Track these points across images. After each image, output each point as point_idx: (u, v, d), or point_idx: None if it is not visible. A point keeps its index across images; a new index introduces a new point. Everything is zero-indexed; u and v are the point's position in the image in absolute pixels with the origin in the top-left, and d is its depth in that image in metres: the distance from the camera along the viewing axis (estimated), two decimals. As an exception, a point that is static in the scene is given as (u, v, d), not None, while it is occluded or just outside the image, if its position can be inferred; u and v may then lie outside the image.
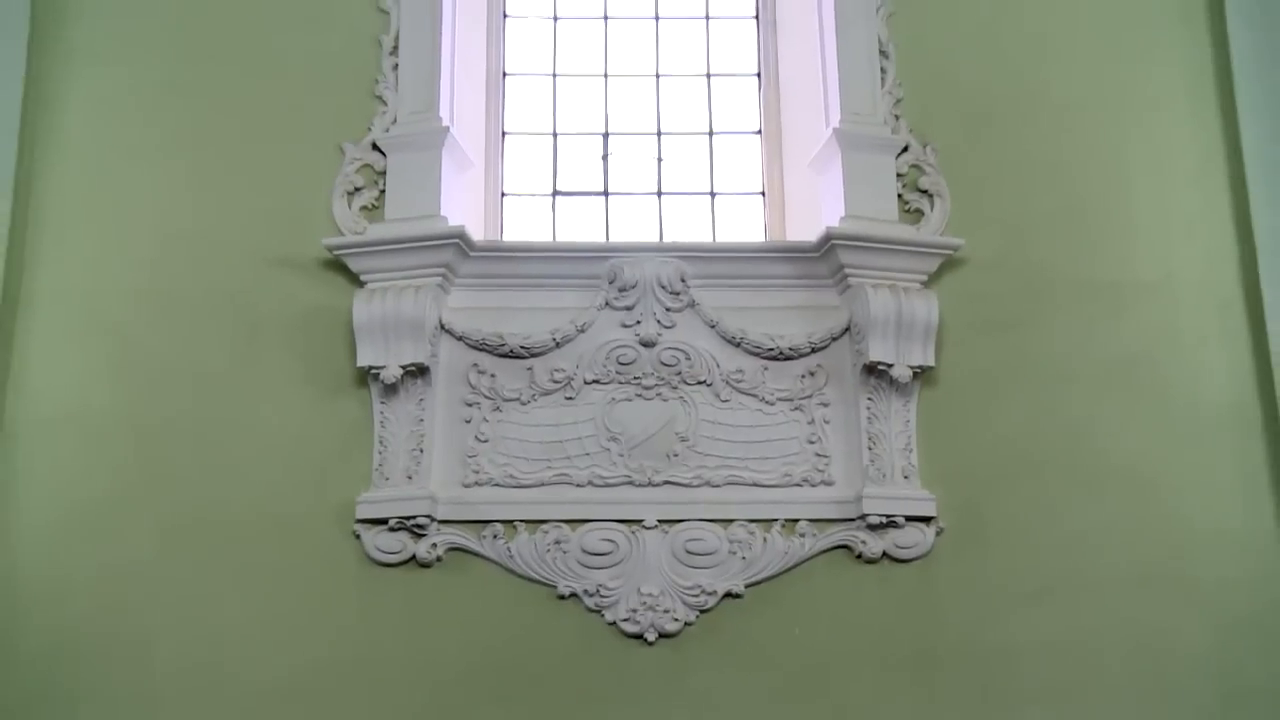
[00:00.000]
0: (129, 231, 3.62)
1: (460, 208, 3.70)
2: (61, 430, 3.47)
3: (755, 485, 3.46)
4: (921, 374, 3.52)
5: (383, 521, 3.40)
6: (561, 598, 3.39)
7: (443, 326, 3.50)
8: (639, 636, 3.36)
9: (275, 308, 3.56)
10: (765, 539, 3.43)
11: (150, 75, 3.74)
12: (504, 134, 4.02)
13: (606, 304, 3.55)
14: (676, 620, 3.37)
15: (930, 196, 3.70)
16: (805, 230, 3.73)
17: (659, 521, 3.43)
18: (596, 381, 3.51)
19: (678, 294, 3.55)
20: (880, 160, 3.68)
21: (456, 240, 3.50)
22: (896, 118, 3.75)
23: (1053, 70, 3.81)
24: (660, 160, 4.01)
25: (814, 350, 3.53)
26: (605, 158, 4.01)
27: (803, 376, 3.54)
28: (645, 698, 3.33)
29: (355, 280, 3.54)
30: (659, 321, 3.54)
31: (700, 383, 3.52)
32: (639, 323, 3.53)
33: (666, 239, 3.89)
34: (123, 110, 3.71)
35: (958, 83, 3.79)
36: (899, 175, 3.70)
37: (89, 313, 3.56)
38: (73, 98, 3.71)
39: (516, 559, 3.41)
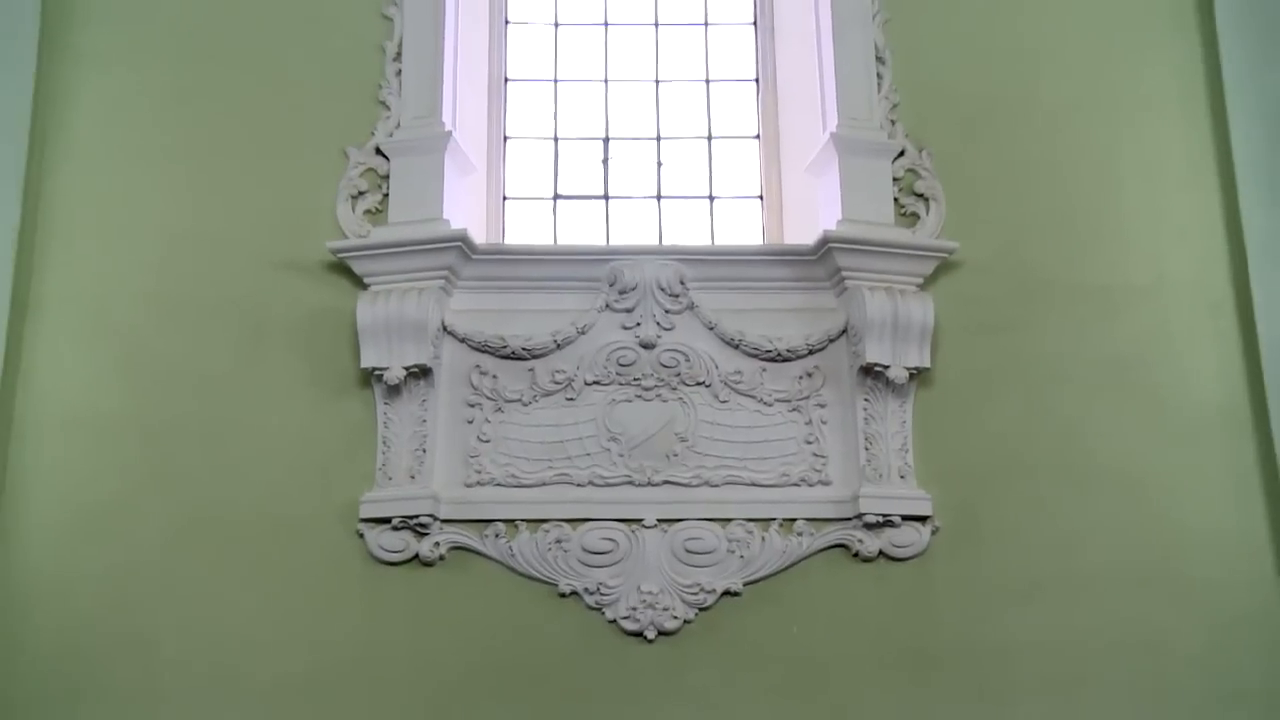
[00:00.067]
0: (136, 235, 3.63)
1: (462, 211, 3.71)
2: (70, 431, 3.47)
3: (753, 485, 3.46)
4: (917, 375, 3.52)
5: (386, 521, 3.41)
6: (562, 596, 3.40)
7: (445, 328, 3.51)
8: (639, 634, 3.37)
9: (280, 310, 3.57)
10: (763, 538, 3.43)
11: (158, 80, 3.74)
12: (506, 138, 4.03)
13: (607, 306, 3.55)
14: (676, 618, 3.37)
15: (926, 200, 3.71)
16: (803, 233, 3.73)
17: (658, 521, 3.43)
18: (597, 382, 3.52)
19: (677, 296, 3.55)
20: (876, 165, 3.69)
21: (459, 243, 3.50)
22: (893, 123, 3.76)
23: (1046, 76, 3.82)
24: (660, 164, 4.01)
25: (811, 352, 3.53)
26: (605, 162, 4.01)
27: (800, 378, 3.55)
28: (645, 695, 3.34)
29: (359, 283, 3.55)
30: (658, 323, 3.55)
31: (699, 384, 3.52)
32: (639, 325, 3.54)
33: (666, 242, 3.89)
34: (131, 115, 3.72)
35: (953, 88, 3.79)
36: (895, 179, 3.70)
37: (97, 315, 3.57)
38: (81, 103, 3.71)
39: (518, 558, 3.41)
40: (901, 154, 3.73)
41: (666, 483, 3.46)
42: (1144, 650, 3.39)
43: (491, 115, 4.01)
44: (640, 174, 4.02)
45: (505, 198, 3.99)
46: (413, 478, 3.43)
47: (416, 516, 3.39)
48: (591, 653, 3.37)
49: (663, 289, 3.55)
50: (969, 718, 3.34)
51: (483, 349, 3.51)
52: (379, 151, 3.69)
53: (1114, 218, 3.72)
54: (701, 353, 3.53)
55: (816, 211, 3.74)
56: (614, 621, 3.38)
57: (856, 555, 3.44)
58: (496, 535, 3.43)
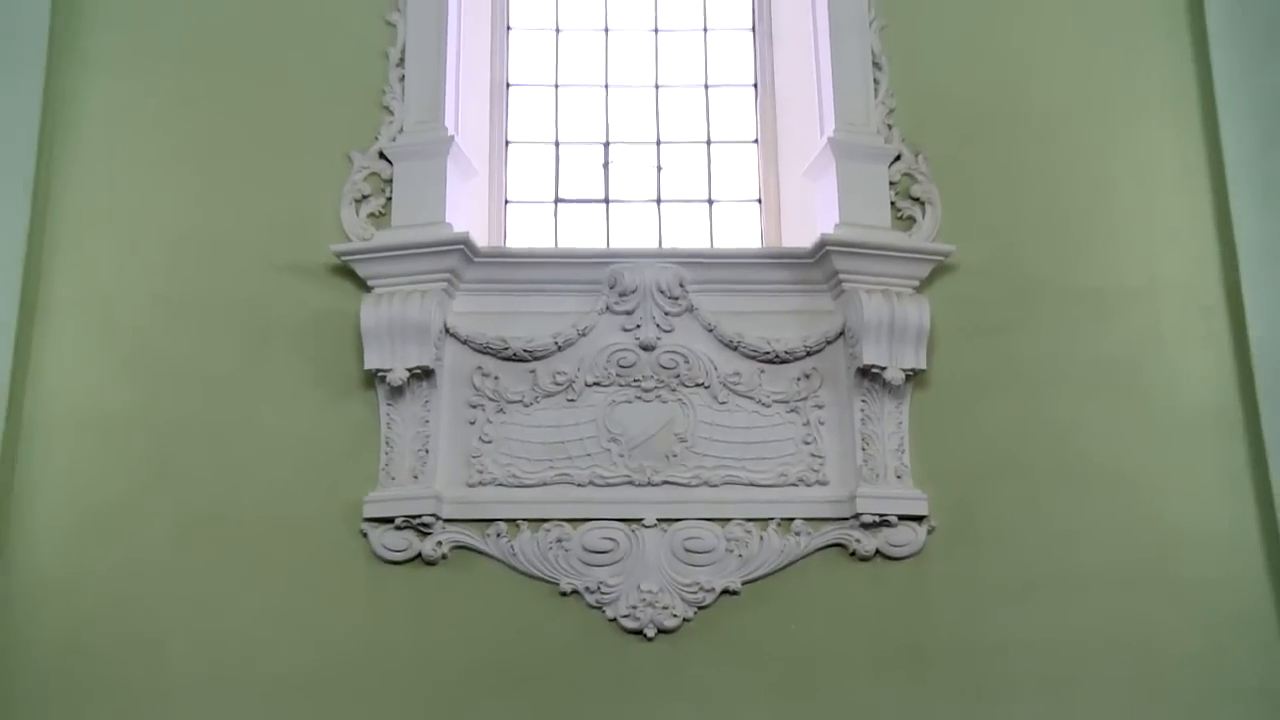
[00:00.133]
0: (144, 238, 3.63)
1: (465, 215, 3.71)
2: (78, 431, 3.48)
3: (752, 485, 3.47)
4: (913, 377, 3.53)
5: (389, 520, 3.41)
6: (563, 595, 3.40)
7: (448, 330, 3.52)
8: (639, 632, 3.37)
9: (285, 312, 3.57)
10: (762, 537, 3.44)
11: (165, 85, 3.75)
12: (507, 143, 4.03)
13: (607, 308, 3.56)
14: (675, 617, 3.38)
15: (922, 204, 3.71)
16: (800, 237, 3.74)
17: (658, 520, 3.44)
18: (597, 384, 3.53)
19: (676, 299, 3.56)
20: (873, 169, 3.70)
21: (461, 246, 3.50)
22: (889, 127, 3.77)
23: (1040, 81, 3.82)
24: (659, 168, 4.01)
25: (809, 353, 3.54)
26: (606, 166, 4.01)
27: (798, 379, 3.55)
28: (645, 692, 3.34)
29: (363, 285, 3.55)
30: (658, 325, 3.55)
31: (698, 385, 3.53)
32: (639, 327, 3.55)
33: (665, 245, 3.90)
34: (138, 119, 3.72)
35: (949, 94, 3.80)
36: (892, 183, 3.71)
37: (105, 317, 3.57)
38: (89, 107, 3.72)
39: (519, 557, 3.42)
40: (898, 158, 3.74)
41: (666, 483, 3.47)
42: (1138, 648, 3.39)
43: (493, 120, 4.01)
44: (640, 178, 4.02)
45: (507, 201, 3.99)
46: (415, 478, 3.44)
47: (419, 516, 3.40)
48: (592, 651, 3.37)
49: (662, 291, 3.56)
50: (965, 716, 3.34)
51: (485, 350, 3.52)
52: (382, 156, 3.70)
53: (1107, 221, 3.73)
54: (701, 354, 3.54)
55: (814, 215, 3.75)
56: (614, 620, 3.38)
57: (853, 554, 3.45)
58: (498, 535, 3.43)
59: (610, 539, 3.43)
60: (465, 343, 3.52)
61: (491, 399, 3.52)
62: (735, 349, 3.53)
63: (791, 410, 3.54)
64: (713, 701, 3.35)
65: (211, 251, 3.62)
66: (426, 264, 3.51)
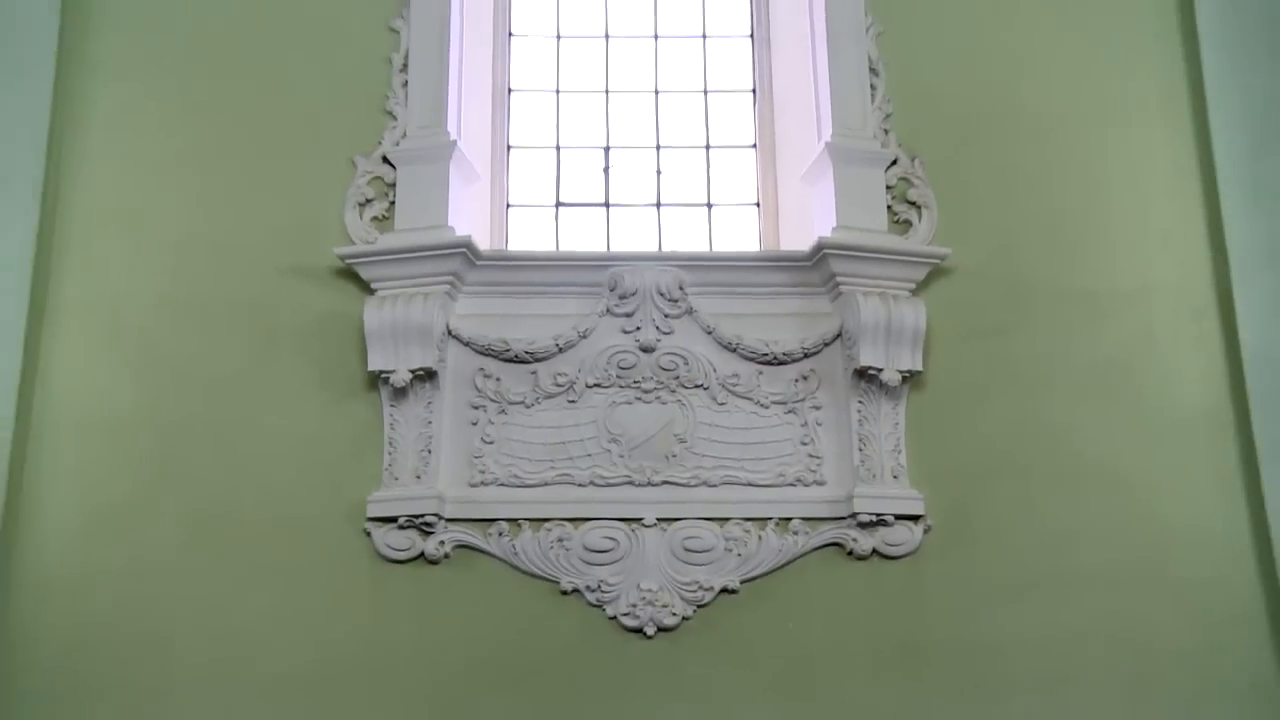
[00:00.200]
0: (150, 240, 3.64)
1: (467, 218, 3.72)
2: (86, 432, 3.48)
3: (750, 485, 3.48)
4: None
5: (392, 520, 3.42)
6: (564, 593, 3.41)
7: (450, 332, 3.52)
8: (639, 630, 3.38)
9: (290, 314, 3.58)
10: (760, 537, 3.44)
11: (172, 91, 3.76)
12: (509, 147, 4.04)
13: (607, 311, 3.56)
14: (675, 615, 3.38)
15: (918, 208, 3.72)
16: (798, 240, 3.75)
17: (658, 520, 3.44)
18: (598, 385, 3.53)
19: (676, 301, 3.57)
20: (870, 173, 3.70)
21: (463, 249, 3.51)
22: (886, 132, 3.77)
23: (1034, 87, 3.83)
24: (659, 173, 4.02)
25: (807, 355, 3.55)
26: (606, 170, 4.02)
27: (796, 380, 3.56)
28: (644, 690, 3.35)
29: (366, 288, 3.56)
30: (658, 328, 3.56)
31: (698, 386, 3.54)
32: (639, 329, 3.55)
33: (665, 248, 3.91)
34: (145, 124, 3.73)
35: (944, 99, 3.81)
36: (888, 187, 3.72)
37: (112, 319, 3.58)
38: (97, 112, 3.72)
39: (521, 556, 3.42)
40: (894, 162, 3.75)
41: (666, 483, 3.47)
42: (1131, 646, 3.39)
43: (495, 125, 4.02)
44: (640, 182, 4.03)
45: (509, 205, 4.00)
46: (418, 478, 3.45)
47: (422, 516, 3.41)
48: (592, 649, 3.38)
49: (662, 294, 3.57)
50: (961, 713, 3.35)
51: (487, 352, 3.53)
52: (386, 160, 3.71)
53: (1100, 224, 3.73)
54: (700, 356, 3.55)
55: (812, 218, 3.75)
56: (614, 618, 3.39)
57: (851, 554, 3.45)
58: (500, 534, 3.44)
59: (610, 538, 3.44)
60: (467, 344, 3.53)
61: (493, 400, 3.53)
62: (734, 351, 3.54)
63: (789, 411, 3.55)
64: (712, 699, 3.35)
65: (217, 254, 3.63)
66: (429, 267, 3.52)
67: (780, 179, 3.99)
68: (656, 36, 4.16)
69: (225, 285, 3.60)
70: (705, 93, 4.11)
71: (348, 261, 3.57)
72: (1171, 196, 3.76)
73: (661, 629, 3.38)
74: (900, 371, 3.49)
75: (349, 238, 3.64)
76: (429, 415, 3.49)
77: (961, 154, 3.77)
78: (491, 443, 3.50)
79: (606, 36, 4.16)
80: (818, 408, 3.55)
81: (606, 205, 4.00)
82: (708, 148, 4.06)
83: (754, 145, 4.06)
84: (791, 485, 3.49)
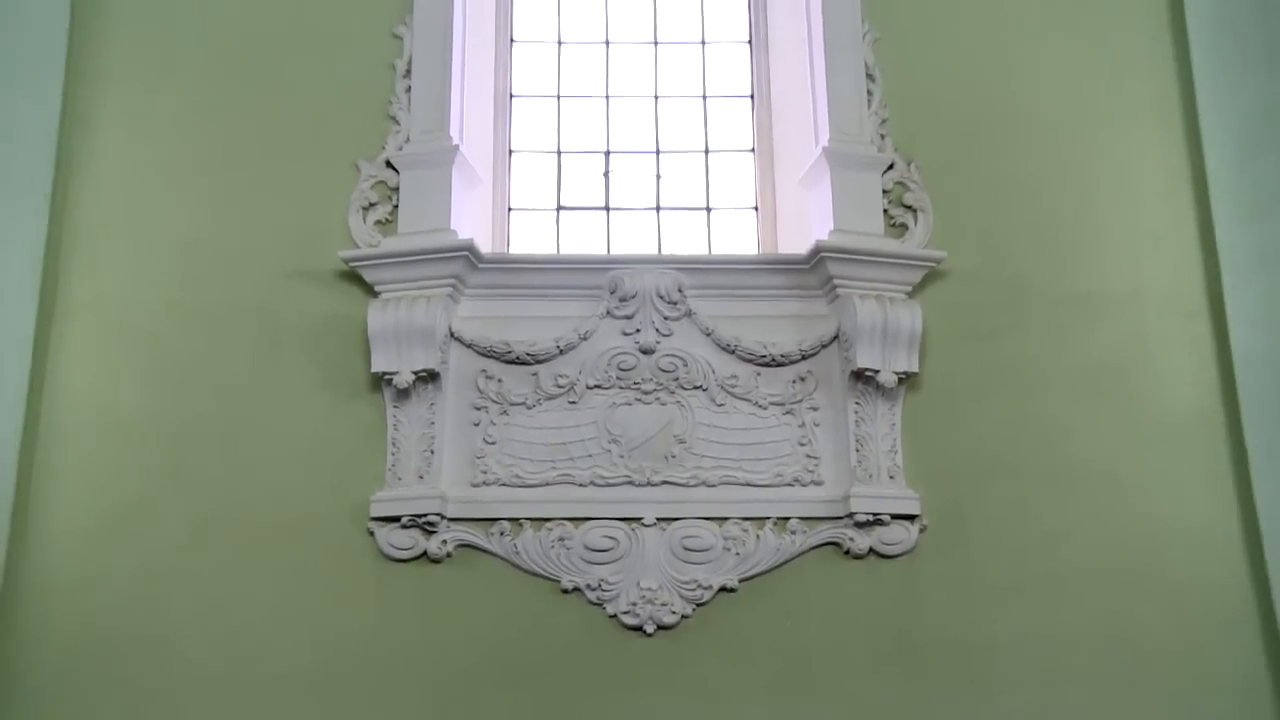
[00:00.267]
0: (157, 245, 3.65)
1: (469, 222, 3.73)
2: (94, 433, 3.49)
3: (749, 485, 3.49)
4: (906, 380, 3.54)
5: (396, 519, 3.43)
6: (565, 592, 3.42)
7: (453, 334, 3.53)
8: (638, 628, 3.39)
9: (295, 317, 3.59)
10: (758, 536, 3.46)
11: (179, 97, 3.77)
12: (511, 152, 4.05)
13: (608, 313, 3.58)
14: (674, 613, 3.39)
15: (914, 211, 3.73)
16: (796, 243, 3.76)
17: (657, 519, 3.45)
18: (598, 386, 3.54)
19: (675, 304, 3.58)
20: (867, 177, 3.71)
21: (466, 253, 3.52)
22: (882, 137, 3.78)
23: (1029, 93, 3.84)
24: (659, 177, 4.03)
25: (804, 357, 3.56)
26: (606, 174, 4.03)
27: (794, 382, 3.57)
28: (644, 687, 3.36)
29: (370, 291, 3.57)
30: (657, 330, 3.57)
31: (697, 388, 3.55)
32: (638, 331, 3.56)
33: (665, 251, 3.92)
34: (152, 131, 3.74)
35: (940, 104, 3.82)
36: (885, 191, 3.73)
37: (120, 322, 3.59)
38: (106, 118, 3.73)
39: (522, 555, 3.43)
40: (891, 167, 3.76)
41: (665, 483, 3.48)
42: (1123, 645, 3.40)
43: (497, 130, 4.03)
44: (640, 186, 4.04)
45: (510, 209, 4.01)
46: (421, 478, 3.45)
47: (425, 515, 3.41)
48: (593, 646, 3.38)
49: (662, 296, 3.58)
50: (955, 710, 3.36)
51: (488, 354, 3.54)
52: (389, 165, 3.71)
53: (1093, 228, 3.74)
54: (699, 358, 3.56)
55: (809, 222, 3.76)
56: (614, 616, 3.40)
57: (848, 553, 3.46)
58: (502, 533, 3.45)
59: (611, 538, 3.45)
60: (470, 346, 3.54)
61: (495, 401, 3.54)
62: (732, 352, 3.55)
63: (787, 412, 3.55)
64: (711, 696, 3.36)
65: (223, 258, 3.64)
66: (432, 270, 3.53)
67: (778, 183, 4.00)
68: (656, 42, 4.17)
69: (231, 288, 3.61)
70: (704, 98, 4.12)
71: (352, 264, 3.58)
72: (1163, 201, 3.77)
73: (661, 627, 3.39)
74: (896, 373, 3.50)
75: (353, 241, 3.65)
76: (432, 416, 3.50)
77: (957, 158, 3.78)
78: (493, 443, 3.51)
79: (607, 42, 4.17)
80: (815, 409, 3.56)
81: (607, 209, 4.01)
82: (707, 152, 4.07)
83: (752, 150, 4.07)
84: (789, 485, 3.50)
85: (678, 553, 3.44)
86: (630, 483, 3.48)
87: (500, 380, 3.55)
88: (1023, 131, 3.81)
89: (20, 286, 3.48)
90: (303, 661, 3.35)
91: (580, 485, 3.48)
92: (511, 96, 4.10)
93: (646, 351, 3.56)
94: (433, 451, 3.48)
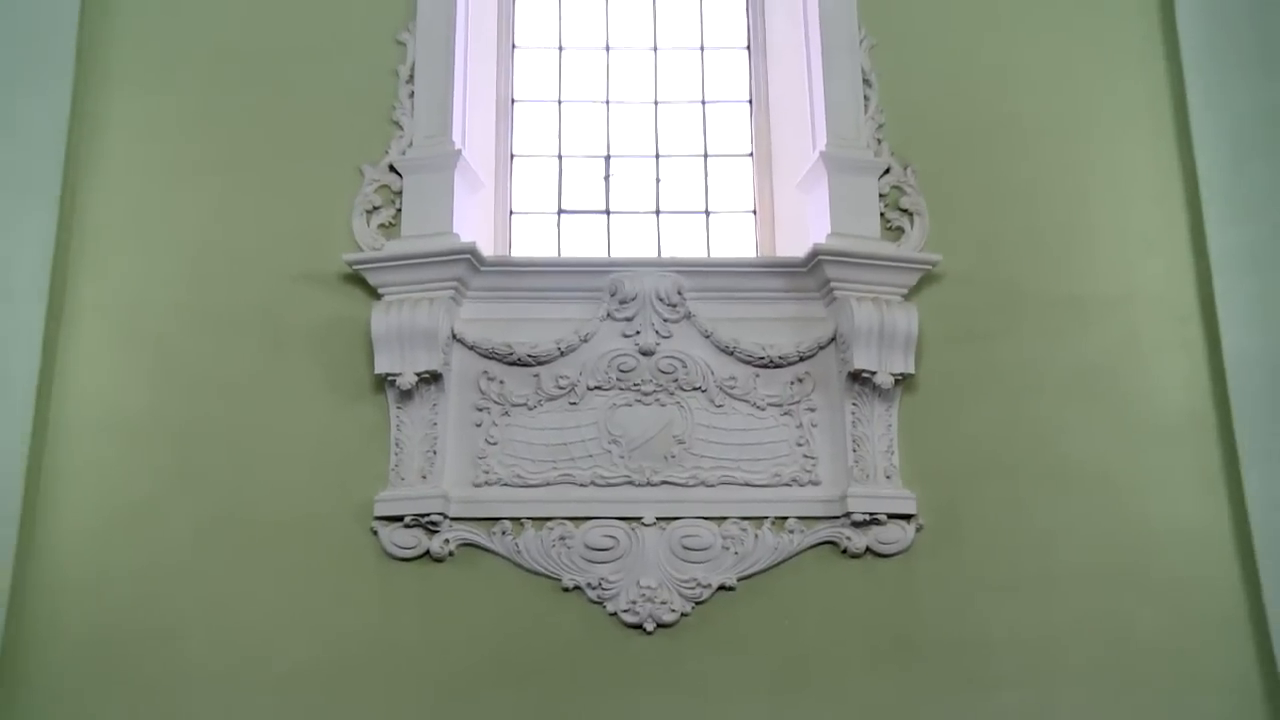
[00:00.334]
0: (165, 248, 3.66)
1: (472, 225, 3.74)
2: (102, 434, 3.50)
3: (747, 485, 3.50)
4: (902, 381, 3.56)
5: (399, 519, 3.44)
6: (566, 590, 3.43)
7: (455, 336, 3.54)
8: (638, 626, 3.40)
9: (299, 319, 3.60)
10: (756, 535, 3.47)
11: (185, 102, 3.78)
12: (512, 156, 4.06)
13: (608, 315, 3.59)
14: (673, 611, 3.40)
15: (910, 215, 3.75)
16: (794, 247, 3.77)
17: (657, 519, 3.46)
18: (599, 388, 3.55)
19: (675, 306, 3.59)
20: (864, 181, 3.73)
21: (468, 256, 3.53)
22: (879, 142, 3.80)
23: (1023, 99, 3.86)
24: (659, 181, 4.04)
25: (802, 359, 3.57)
26: (607, 179, 4.04)
27: (791, 383, 3.58)
28: (644, 684, 3.36)
29: (373, 293, 3.58)
30: (657, 332, 3.58)
31: (696, 389, 3.56)
32: (638, 333, 3.58)
33: (664, 255, 3.93)
34: (161, 134, 3.75)
35: (936, 110, 3.83)
36: (881, 195, 3.74)
37: (128, 323, 3.60)
38: (115, 123, 3.75)
39: (524, 554, 3.44)
40: (887, 171, 3.77)
41: (665, 483, 3.49)
42: (1115, 642, 3.42)
43: (499, 134, 4.04)
44: (640, 190, 4.05)
45: (512, 212, 4.02)
46: (424, 478, 3.46)
47: (428, 515, 3.43)
48: (593, 644, 3.40)
49: (661, 299, 3.59)
50: (950, 706, 3.37)
51: (490, 356, 3.55)
52: (392, 169, 3.73)
53: (1086, 232, 3.76)
54: (698, 359, 3.57)
55: (807, 226, 3.78)
56: (615, 615, 3.41)
57: (845, 552, 3.48)
58: (503, 533, 3.46)
59: (611, 537, 3.46)
60: (472, 348, 3.55)
61: (497, 402, 3.55)
62: (731, 354, 3.56)
63: (785, 413, 3.57)
64: (710, 693, 3.37)
65: (229, 261, 3.65)
66: (435, 272, 3.54)
67: (776, 187, 4.01)
68: (656, 48, 4.18)
69: (237, 290, 3.63)
70: (703, 103, 4.13)
71: (356, 268, 3.59)
72: (1155, 204, 3.79)
73: (661, 625, 3.40)
74: (893, 374, 3.52)
75: (357, 244, 3.66)
76: (434, 417, 3.51)
77: (952, 163, 3.79)
78: (495, 444, 3.52)
79: (607, 48, 4.18)
80: (813, 410, 3.57)
81: (607, 212, 4.02)
82: (706, 156, 4.09)
83: (751, 154, 4.08)
84: (787, 485, 3.51)
85: (677, 552, 3.45)
86: (630, 483, 3.49)
87: (502, 381, 3.56)
88: (1017, 136, 3.83)
89: (29, 287, 3.49)
90: (307, 658, 3.36)
91: (581, 485, 3.49)
92: (513, 101, 4.11)
93: (646, 353, 3.57)
94: (435, 452, 3.49)
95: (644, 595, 3.40)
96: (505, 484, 3.49)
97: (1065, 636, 3.42)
